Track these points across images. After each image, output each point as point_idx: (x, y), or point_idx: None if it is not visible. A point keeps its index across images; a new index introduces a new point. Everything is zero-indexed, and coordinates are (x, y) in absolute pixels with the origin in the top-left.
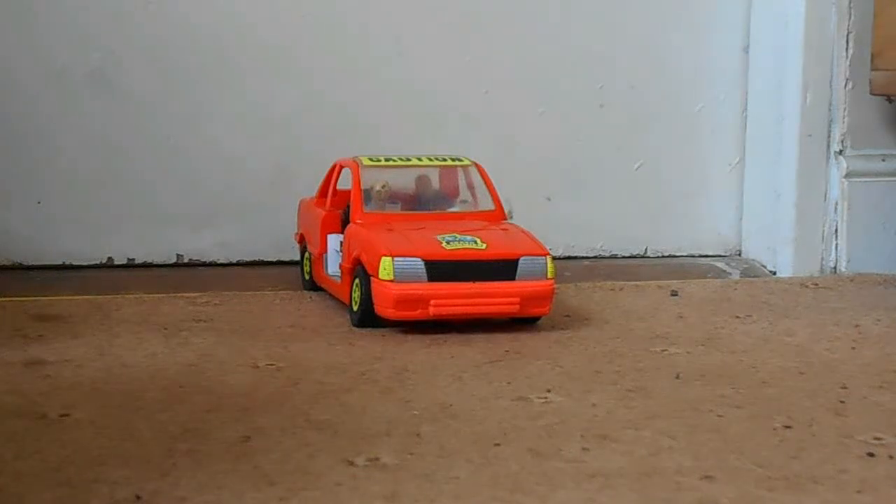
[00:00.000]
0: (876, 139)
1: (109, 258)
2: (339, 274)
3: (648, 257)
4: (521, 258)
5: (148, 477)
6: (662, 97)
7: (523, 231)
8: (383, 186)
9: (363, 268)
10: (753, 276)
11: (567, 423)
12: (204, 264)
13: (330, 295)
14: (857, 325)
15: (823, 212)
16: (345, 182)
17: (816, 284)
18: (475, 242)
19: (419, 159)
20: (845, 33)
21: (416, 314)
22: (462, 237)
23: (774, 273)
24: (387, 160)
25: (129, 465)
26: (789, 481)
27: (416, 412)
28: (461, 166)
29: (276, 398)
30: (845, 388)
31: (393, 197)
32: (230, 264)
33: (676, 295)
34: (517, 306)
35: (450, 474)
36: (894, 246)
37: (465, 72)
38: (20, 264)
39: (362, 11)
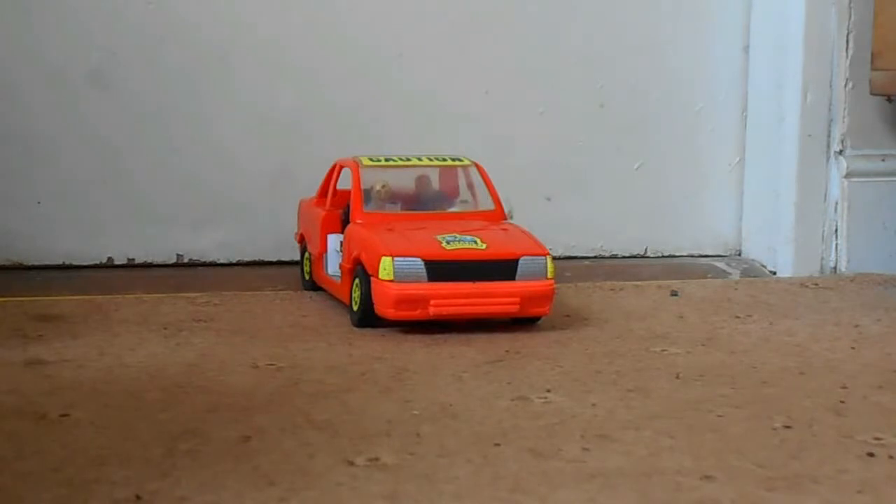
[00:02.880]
0: (876, 139)
1: (109, 258)
2: (339, 274)
3: (648, 257)
4: (521, 258)
5: (148, 477)
6: (662, 97)
7: (523, 231)
8: (383, 186)
9: (363, 268)
10: (753, 276)
11: (567, 423)
12: (204, 264)
13: (330, 295)
14: (857, 325)
15: (823, 212)
16: (345, 182)
17: (816, 284)
18: (475, 242)
19: (419, 159)
20: (845, 33)
21: (416, 314)
22: (462, 237)
23: (774, 273)
24: (387, 160)
25: (129, 465)
26: (789, 481)
27: (416, 412)
28: (461, 166)
29: (276, 398)
30: (845, 388)
31: (393, 197)
32: (230, 264)
33: (676, 295)
34: (517, 306)
35: (450, 474)
36: (894, 246)
37: (465, 72)
38: (20, 264)
39: (363, 12)
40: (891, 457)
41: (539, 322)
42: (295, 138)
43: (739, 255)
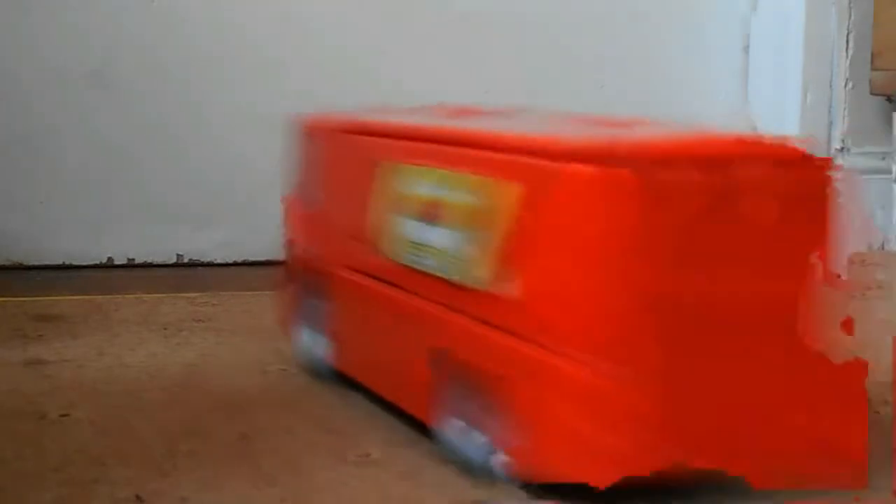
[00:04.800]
0: (876, 138)
1: (109, 258)
2: None
3: None
4: None
5: (148, 477)
6: (662, 97)
7: None
8: None
9: None
10: None
11: None
12: (204, 264)
13: None
14: None
15: None
16: None
17: None
18: None
19: None
20: (845, 33)
21: None
22: None
23: None
24: None
25: (129, 465)
26: None
27: None
28: None
29: (276, 398)
30: None
31: None
32: (230, 264)
33: None
34: None
35: (449, 474)
36: None
37: (464, 73)
38: (20, 264)
39: (363, 12)
40: None
41: None
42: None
43: None
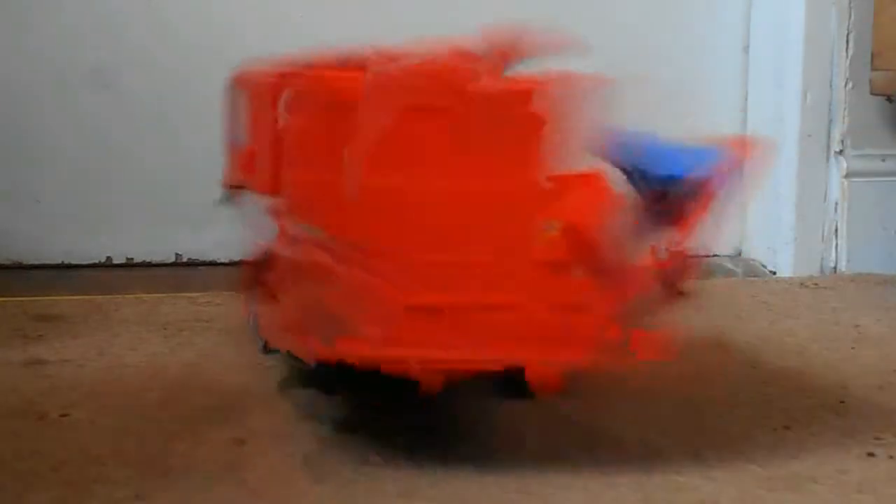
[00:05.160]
0: (876, 139)
1: (108, 257)
2: None
3: None
4: None
5: (148, 477)
6: (662, 97)
7: None
8: None
9: None
10: (753, 276)
11: (568, 424)
12: (204, 264)
13: None
14: (857, 325)
15: (823, 212)
16: None
17: (816, 284)
18: None
19: None
20: (845, 33)
21: None
22: None
23: (774, 273)
24: None
25: (129, 465)
26: (789, 481)
27: (416, 413)
28: None
29: (276, 398)
30: (845, 388)
31: None
32: (230, 264)
33: None
34: None
35: (451, 474)
36: (894, 246)
37: None
38: (19, 263)
39: (360, 12)
40: (891, 457)
41: None
42: None
43: (739, 255)
